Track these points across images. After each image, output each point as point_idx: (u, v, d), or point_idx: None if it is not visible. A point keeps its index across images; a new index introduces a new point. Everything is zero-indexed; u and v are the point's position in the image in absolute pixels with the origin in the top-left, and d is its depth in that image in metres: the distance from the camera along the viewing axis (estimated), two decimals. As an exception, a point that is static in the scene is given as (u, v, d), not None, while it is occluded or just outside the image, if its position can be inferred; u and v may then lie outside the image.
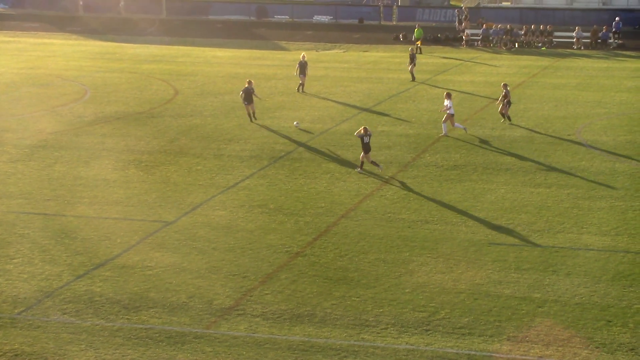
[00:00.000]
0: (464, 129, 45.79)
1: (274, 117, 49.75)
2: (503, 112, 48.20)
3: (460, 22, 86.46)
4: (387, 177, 38.17)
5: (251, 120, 48.03)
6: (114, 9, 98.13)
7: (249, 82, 48.02)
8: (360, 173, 38.44)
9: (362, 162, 38.88)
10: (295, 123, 46.29)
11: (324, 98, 55.99)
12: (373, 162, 38.71)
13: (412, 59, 62.48)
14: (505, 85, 48.12)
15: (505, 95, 47.72)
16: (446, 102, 44.95)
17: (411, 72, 62.43)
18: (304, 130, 45.99)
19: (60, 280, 27.12)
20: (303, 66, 57.07)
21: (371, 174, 38.49)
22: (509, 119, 48.28)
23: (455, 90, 58.25)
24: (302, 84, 57.57)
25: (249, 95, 47.65)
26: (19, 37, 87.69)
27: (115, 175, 38.29)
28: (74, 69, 67.48)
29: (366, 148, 38.48)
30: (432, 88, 59.78)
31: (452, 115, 45.20)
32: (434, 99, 55.44)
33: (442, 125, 45.60)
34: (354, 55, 77.35)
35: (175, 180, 37.57)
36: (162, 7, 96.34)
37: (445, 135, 45.10)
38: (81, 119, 49.39)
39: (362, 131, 38.61)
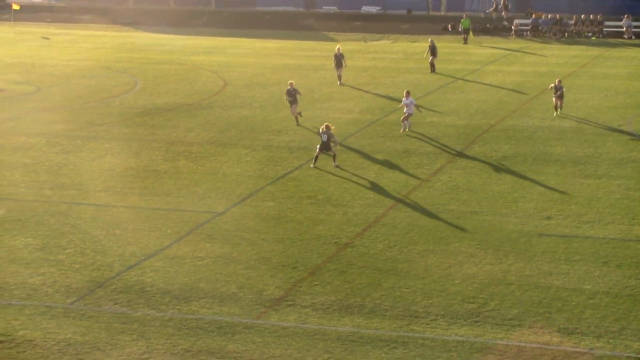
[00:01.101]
0: (404, 128, 44.14)
1: (323, 108, 49.80)
2: (558, 105, 47.71)
3: (496, 10, 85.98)
4: (435, 168, 38.11)
5: (297, 124, 46.16)
6: (163, 1, 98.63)
7: (291, 84, 46.34)
8: (315, 168, 37.95)
9: (316, 157, 38.23)
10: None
11: (372, 89, 55.95)
12: (333, 157, 38.25)
13: (433, 50, 61.87)
14: (559, 81, 47.72)
15: (558, 91, 47.21)
16: (405, 100, 43.93)
17: (431, 64, 61.88)
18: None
19: (112, 270, 27.37)
20: (339, 58, 56.81)
21: (417, 166, 38.43)
22: (557, 110, 47.73)
23: (497, 87, 58.00)
24: (339, 76, 57.27)
25: (293, 96, 45.92)
26: (70, 29, 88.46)
27: (166, 166, 38.55)
28: (124, 61, 67.98)
29: (324, 146, 37.78)
30: (481, 79, 59.51)
31: (409, 115, 43.87)
32: (483, 90, 55.23)
33: (402, 123, 44.24)
34: (402, 46, 77.19)
35: (225, 171, 37.75)
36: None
37: (405, 131, 44.00)
38: (131, 110, 49.77)
39: (323, 128, 37.96)
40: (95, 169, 38.13)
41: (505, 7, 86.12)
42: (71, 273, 27.16)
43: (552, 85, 47.86)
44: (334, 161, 38.17)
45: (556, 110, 47.78)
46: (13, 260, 28.14)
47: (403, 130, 44.05)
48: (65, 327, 23.63)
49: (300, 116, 46.57)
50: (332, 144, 37.90)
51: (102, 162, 39.27)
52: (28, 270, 27.36)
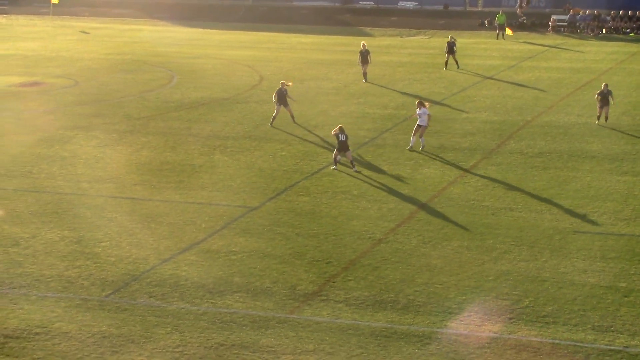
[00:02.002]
0: (419, 145, 40.03)
1: (359, 104, 49.82)
2: (603, 114, 44.33)
3: (521, 7, 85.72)
4: (471, 164, 38.04)
5: (293, 121, 45.04)
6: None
7: (282, 84, 44.92)
8: (335, 170, 37.23)
9: (335, 159, 37.53)
10: None
11: (408, 84, 55.89)
12: (351, 162, 37.38)
13: (451, 47, 61.53)
14: (605, 85, 44.67)
15: (604, 98, 43.89)
16: (418, 111, 39.98)
17: (447, 62, 61.55)
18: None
19: (147, 264, 27.54)
20: (364, 55, 56.36)
21: (452, 162, 38.37)
22: (605, 119, 44.38)
23: (534, 83, 57.80)
24: (364, 73, 56.69)
25: (282, 98, 44.43)
26: (108, 24, 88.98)
27: (201, 160, 38.71)
28: (161, 55, 68.30)
29: (342, 146, 37.08)
30: (517, 75, 59.29)
31: (421, 126, 39.82)
32: (519, 86, 55.04)
33: (413, 138, 40.29)
34: (439, 42, 76.92)
35: (260, 166, 37.87)
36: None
37: (417, 148, 40.09)
38: (168, 104, 50.01)
39: (337, 130, 37.16)
40: (131, 163, 38.35)
41: (527, 2, 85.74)
42: (107, 266, 27.36)
43: (598, 93, 44.58)
44: (354, 166, 37.34)
45: (599, 119, 44.67)
46: (50, 252, 28.38)
47: (410, 148, 40.07)
48: (101, 320, 23.81)
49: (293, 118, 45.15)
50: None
51: (138, 155, 39.49)
52: (64, 263, 27.59)
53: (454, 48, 61.64)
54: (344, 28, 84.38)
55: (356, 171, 37.06)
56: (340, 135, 37.15)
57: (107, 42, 76.02)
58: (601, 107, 44.48)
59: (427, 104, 40.73)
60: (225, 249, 28.63)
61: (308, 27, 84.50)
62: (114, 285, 26.03)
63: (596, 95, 44.99)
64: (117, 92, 53.33)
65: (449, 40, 62.68)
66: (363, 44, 57.35)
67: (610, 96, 44.18)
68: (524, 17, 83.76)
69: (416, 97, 51.36)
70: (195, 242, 29.26)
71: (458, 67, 61.26)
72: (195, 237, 29.69)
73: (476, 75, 59.16)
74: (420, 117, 39.98)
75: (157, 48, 72.32)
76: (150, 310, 24.39)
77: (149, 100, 51.20)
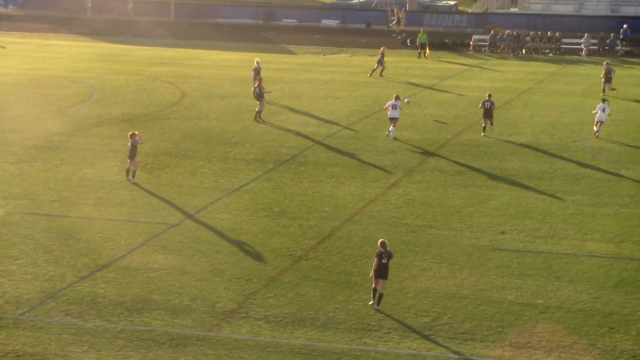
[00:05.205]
0: (391, 132, 45.93)
1: (280, 121, 49.77)
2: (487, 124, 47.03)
3: (397, 23, 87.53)
4: (392, 181, 38.19)
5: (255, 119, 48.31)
6: (122, 12, 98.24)
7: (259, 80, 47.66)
8: (134, 183, 37.49)
9: (128, 170, 37.97)
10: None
11: (330, 102, 55.98)
12: (130, 171, 37.77)
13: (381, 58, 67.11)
14: (489, 96, 47.28)
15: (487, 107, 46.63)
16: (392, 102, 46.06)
17: (379, 70, 66.87)
18: (305, 136, 45.89)
19: (64, 281, 27.17)
20: (257, 72, 56.20)
21: (374, 179, 38.51)
22: (484, 130, 47.07)
23: (455, 102, 58.30)
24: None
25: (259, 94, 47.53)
26: (27, 38, 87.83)
27: (121, 177, 38.32)
28: (81, 71, 67.57)
29: (130, 153, 37.60)
30: (439, 93, 59.75)
31: (391, 118, 46.00)
32: (441, 104, 55.46)
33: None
34: (361, 60, 77.27)
35: (180, 183, 37.62)
36: (170, 9, 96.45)
37: (394, 138, 45.61)
38: (87, 120, 49.48)
39: (128, 137, 37.91)
40: (49, 179, 37.85)
41: (398, 21, 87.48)
42: (22, 284, 26.93)
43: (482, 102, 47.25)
44: (133, 177, 37.64)
45: (484, 131, 46.88)
46: (-37, 270, 27.88)
47: (389, 135, 45.73)
48: (15, 339, 23.42)
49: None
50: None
51: (56, 172, 38.98)
52: (-22, 280, 27.11)
53: (383, 58, 67.06)
54: (267, 45, 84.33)
55: (133, 182, 37.34)
56: (130, 144, 37.61)
57: (25, 57, 75.02)
58: (485, 117, 46.95)
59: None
60: (144, 266, 28.38)
61: (231, 44, 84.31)
62: (29, 303, 25.63)
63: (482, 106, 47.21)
64: (36, 108, 52.63)
65: (381, 50, 68.42)
66: (257, 61, 57.20)
67: (493, 107, 46.85)
68: (403, 35, 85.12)
69: (339, 114, 51.55)
70: (113, 259, 28.94)
71: (370, 75, 65.85)
72: (114, 254, 29.38)
73: (398, 93, 59.28)
74: (392, 109, 45.47)
75: (77, 63, 71.56)
76: (66, 329, 24.06)
77: (68, 116, 50.62)
